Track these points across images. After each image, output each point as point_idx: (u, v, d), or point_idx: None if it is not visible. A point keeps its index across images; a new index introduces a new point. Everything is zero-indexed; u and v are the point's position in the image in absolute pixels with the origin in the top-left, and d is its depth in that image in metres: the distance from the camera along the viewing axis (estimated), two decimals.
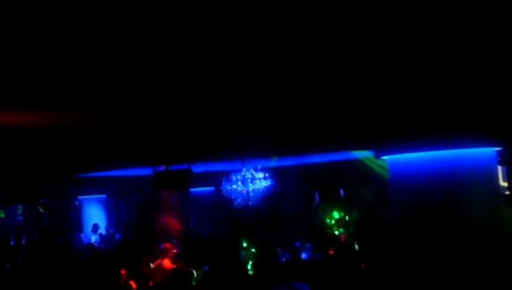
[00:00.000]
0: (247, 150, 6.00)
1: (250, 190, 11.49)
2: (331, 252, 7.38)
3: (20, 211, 19.71)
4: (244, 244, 8.15)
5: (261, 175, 11.22)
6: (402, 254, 4.21)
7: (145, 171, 8.94)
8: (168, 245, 7.26)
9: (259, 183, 11.39)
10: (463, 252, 3.83)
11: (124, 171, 10.30)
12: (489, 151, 4.07)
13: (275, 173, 11.97)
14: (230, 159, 9.04)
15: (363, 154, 9.63)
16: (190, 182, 8.04)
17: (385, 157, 4.44)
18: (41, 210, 17.60)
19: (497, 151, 4.17)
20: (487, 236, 3.89)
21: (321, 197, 14.40)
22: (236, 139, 5.21)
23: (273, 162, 11.00)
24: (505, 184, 10.33)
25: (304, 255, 7.95)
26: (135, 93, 3.52)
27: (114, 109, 3.88)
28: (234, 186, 11.26)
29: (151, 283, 5.84)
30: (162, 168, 7.58)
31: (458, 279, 3.78)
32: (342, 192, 14.18)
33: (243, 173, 11.04)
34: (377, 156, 4.70)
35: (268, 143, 5.20)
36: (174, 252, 7.42)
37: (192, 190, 13.66)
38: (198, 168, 10.10)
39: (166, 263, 6.86)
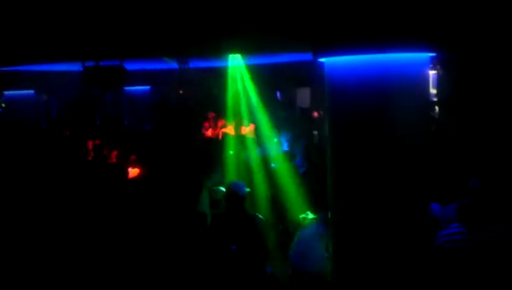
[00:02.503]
0: (183, 47, 5.78)
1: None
2: None
3: None
4: None
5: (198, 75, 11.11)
6: (332, 156, 4.31)
7: (75, 67, 8.50)
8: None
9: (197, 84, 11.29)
10: (391, 161, 3.94)
11: (52, 66, 9.76)
12: (423, 56, 4.10)
13: (214, 74, 11.82)
14: (166, 57, 8.74)
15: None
16: (124, 79, 7.76)
17: (322, 60, 4.39)
18: None
19: (430, 57, 4.21)
20: (415, 144, 4.01)
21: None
22: (171, 35, 4.98)
23: (211, 63, 10.77)
24: (434, 91, 10.71)
25: None
26: None
27: None
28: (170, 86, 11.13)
29: None
30: (92, 64, 7.23)
31: (384, 186, 3.92)
32: (278, 94, 14.29)
33: (180, 73, 10.83)
34: (315, 59, 4.64)
35: (201, 40, 5.01)
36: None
37: (126, 88, 13.27)
38: (132, 66, 9.74)
39: None
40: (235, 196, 5.19)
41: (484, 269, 4.26)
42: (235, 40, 5.14)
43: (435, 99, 10.77)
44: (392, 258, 3.85)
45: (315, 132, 11.60)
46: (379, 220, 3.88)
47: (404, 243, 3.86)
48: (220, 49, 6.52)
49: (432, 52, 4.11)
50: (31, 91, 13.17)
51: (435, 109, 10.69)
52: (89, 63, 7.30)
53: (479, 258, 4.30)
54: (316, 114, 13.36)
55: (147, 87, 13.51)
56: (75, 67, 8.82)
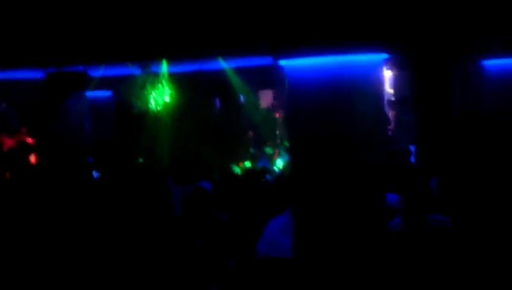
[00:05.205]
0: (142, 52, 5.85)
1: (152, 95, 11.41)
2: None
3: None
4: None
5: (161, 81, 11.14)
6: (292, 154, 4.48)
7: (36, 74, 8.41)
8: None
9: (160, 89, 11.30)
10: (347, 157, 4.14)
11: (11, 73, 9.64)
12: (377, 58, 4.31)
13: (175, 79, 11.85)
14: (127, 62, 8.76)
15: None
16: (87, 83, 7.79)
17: (283, 63, 4.55)
18: None
19: (385, 58, 4.43)
20: (371, 141, 4.22)
21: (222, 104, 14.58)
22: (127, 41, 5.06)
23: (173, 68, 10.82)
24: (391, 91, 11.06)
25: None
26: None
27: None
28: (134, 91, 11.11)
29: None
30: (53, 70, 7.22)
31: (341, 180, 4.12)
32: (242, 98, 14.42)
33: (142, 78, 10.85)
34: (275, 61, 4.82)
35: (160, 44, 5.11)
36: None
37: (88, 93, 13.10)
38: (94, 72, 9.70)
39: None
40: (201, 194, 5.44)
41: (427, 257, 4.40)
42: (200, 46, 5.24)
43: (393, 98, 11.13)
44: (346, 243, 4.07)
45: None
46: (334, 210, 4.10)
47: (359, 229, 4.08)
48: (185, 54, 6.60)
49: (385, 53, 4.33)
50: None
51: (394, 108, 11.05)
52: (50, 69, 7.28)
53: (420, 246, 4.45)
54: (278, 115, 13.63)
55: (109, 92, 13.37)
56: (35, 74, 8.73)
